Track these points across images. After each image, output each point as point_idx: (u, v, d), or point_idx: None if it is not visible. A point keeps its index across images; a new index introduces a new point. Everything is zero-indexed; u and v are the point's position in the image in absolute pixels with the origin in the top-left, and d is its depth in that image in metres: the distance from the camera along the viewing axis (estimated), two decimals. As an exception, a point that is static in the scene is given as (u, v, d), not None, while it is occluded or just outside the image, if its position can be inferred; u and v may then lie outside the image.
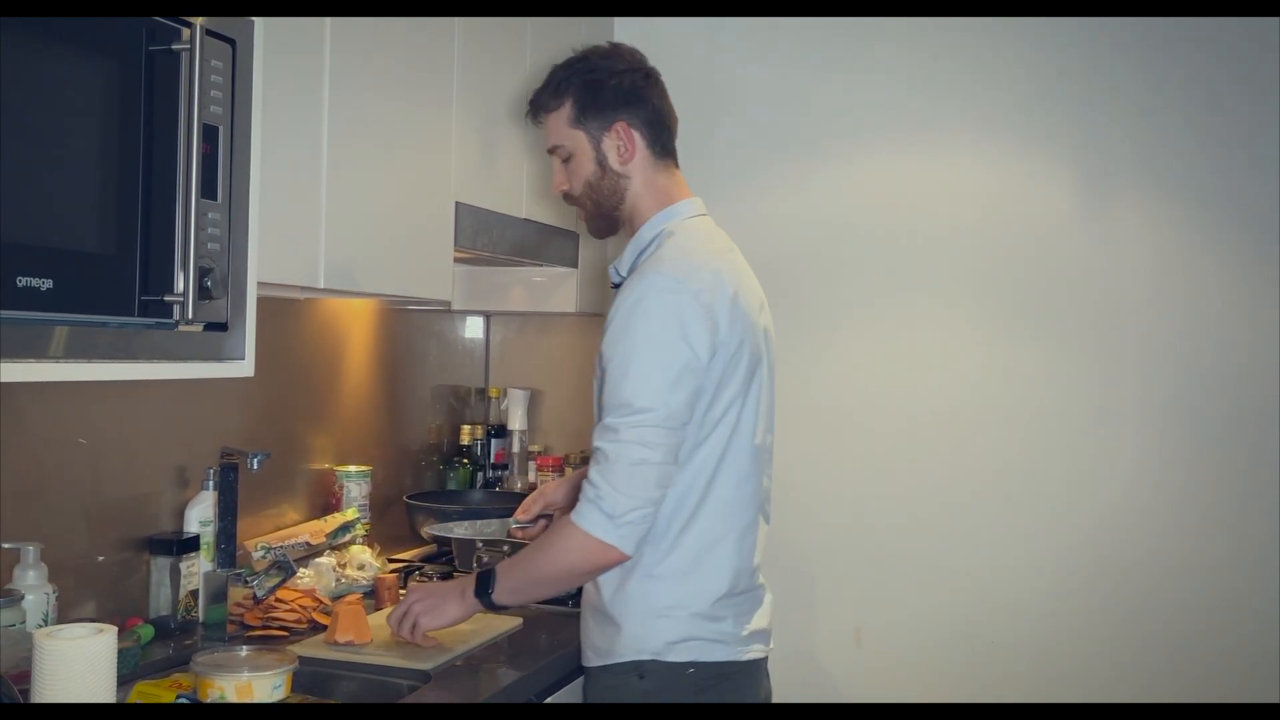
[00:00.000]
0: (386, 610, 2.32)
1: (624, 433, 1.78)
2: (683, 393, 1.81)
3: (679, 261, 1.86)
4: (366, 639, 2.06)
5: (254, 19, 1.60)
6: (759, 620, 1.96)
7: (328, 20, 1.95)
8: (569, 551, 1.83)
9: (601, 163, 1.96)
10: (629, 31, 3.02)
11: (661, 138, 1.99)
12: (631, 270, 1.93)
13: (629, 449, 1.78)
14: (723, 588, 1.89)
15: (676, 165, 2.03)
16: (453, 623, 2.03)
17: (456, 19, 2.36)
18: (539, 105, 2.00)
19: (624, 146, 1.95)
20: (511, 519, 2.31)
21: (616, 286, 2.02)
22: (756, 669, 1.96)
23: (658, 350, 1.79)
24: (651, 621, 1.87)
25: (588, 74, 1.96)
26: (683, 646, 1.87)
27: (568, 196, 2.03)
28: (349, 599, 2.17)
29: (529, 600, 2.07)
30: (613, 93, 1.95)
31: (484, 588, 1.93)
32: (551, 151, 2.02)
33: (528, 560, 1.93)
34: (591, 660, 1.95)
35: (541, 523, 2.27)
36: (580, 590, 2.04)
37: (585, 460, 3.22)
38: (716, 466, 1.89)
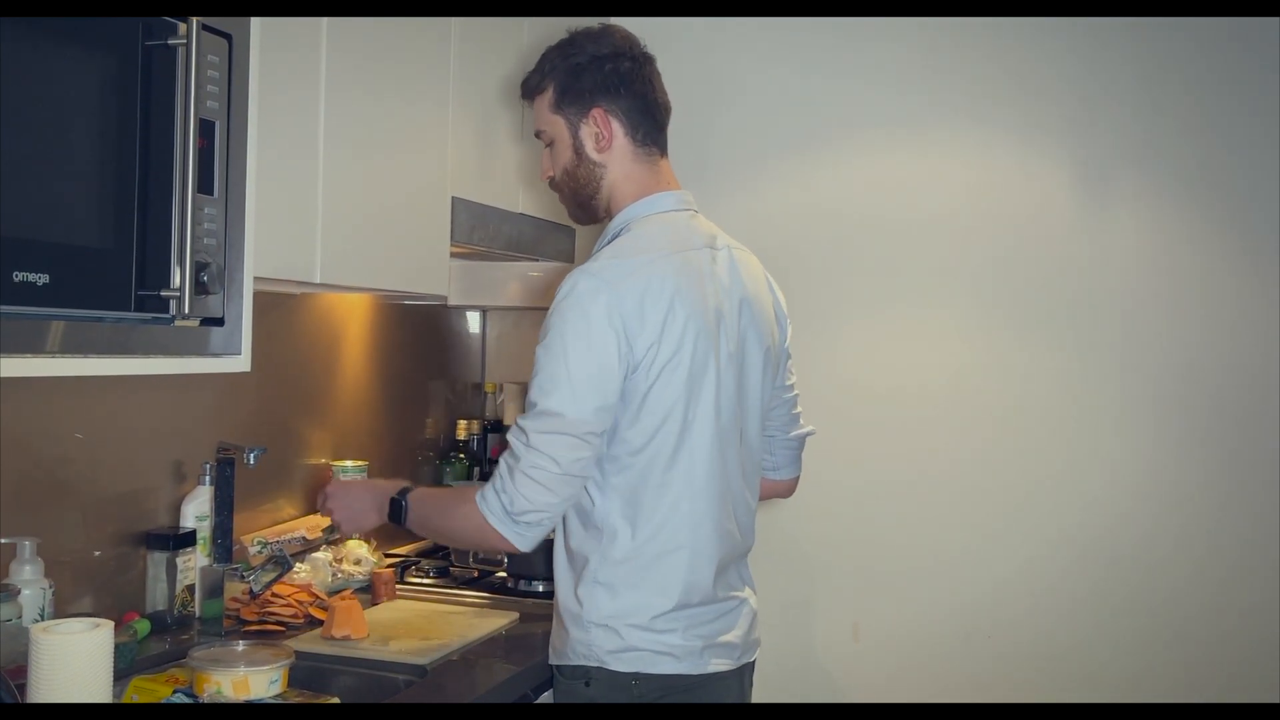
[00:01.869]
0: (384, 605, 2.33)
1: (531, 437, 1.75)
2: (590, 400, 1.74)
3: (611, 262, 1.80)
4: (363, 634, 2.06)
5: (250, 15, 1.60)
6: (727, 633, 1.90)
7: (324, 16, 1.94)
8: (469, 526, 1.83)
9: (579, 150, 1.92)
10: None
11: (644, 126, 1.92)
12: None
13: (532, 454, 1.75)
14: (669, 602, 1.83)
15: (663, 155, 1.96)
16: (364, 530, 2.08)
17: (453, 18, 2.36)
18: (527, 87, 1.97)
19: (601, 134, 1.90)
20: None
21: None
22: (721, 681, 1.89)
23: (566, 354, 1.75)
24: (594, 629, 1.83)
25: (570, 57, 1.91)
26: (625, 656, 1.82)
27: (552, 183, 1.99)
28: (345, 595, 2.18)
29: (431, 540, 2.11)
30: (592, 78, 1.89)
31: (396, 514, 1.95)
32: (537, 135, 1.99)
33: (437, 510, 1.94)
34: (552, 658, 1.93)
35: None
36: None
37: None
38: (663, 475, 1.82)
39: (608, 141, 1.90)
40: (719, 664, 1.88)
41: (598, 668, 1.83)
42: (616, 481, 1.82)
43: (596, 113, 1.90)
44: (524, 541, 1.78)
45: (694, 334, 1.81)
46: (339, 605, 2.10)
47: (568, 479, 1.76)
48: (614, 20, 3.07)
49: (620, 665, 1.82)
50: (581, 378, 1.74)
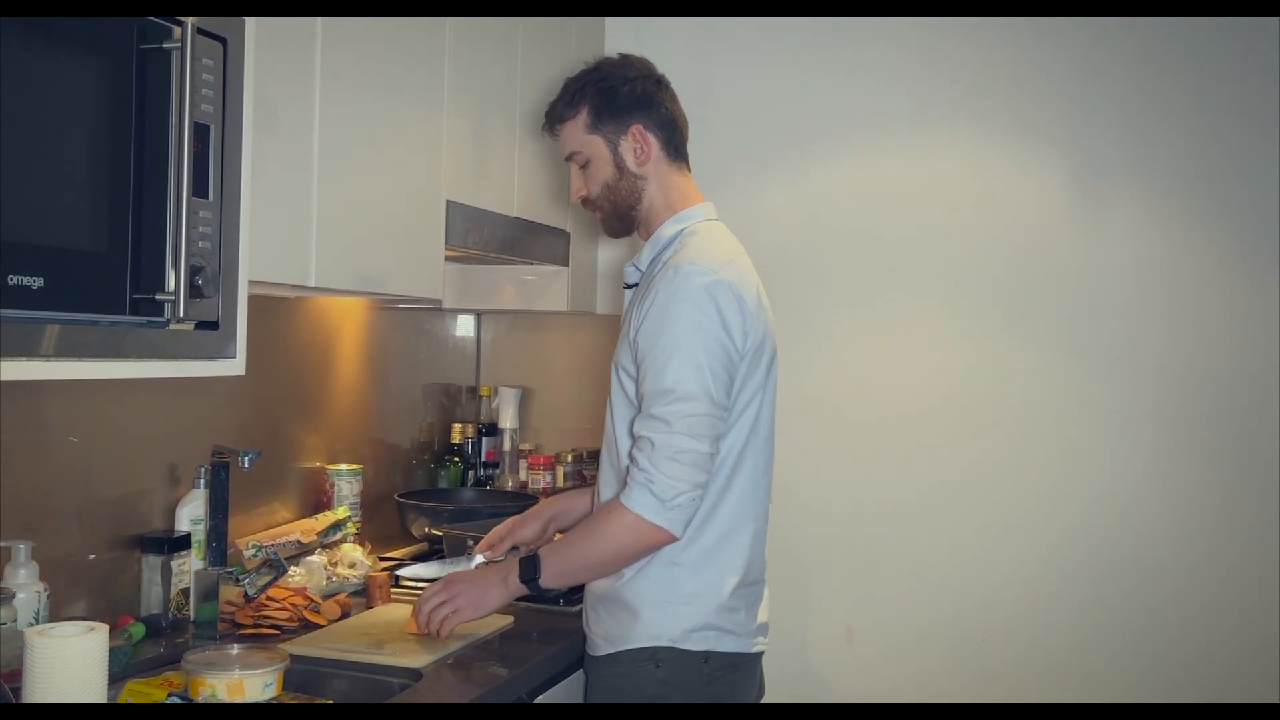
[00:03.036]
0: (379, 608, 2.32)
1: (674, 422, 1.82)
2: (723, 379, 1.86)
3: (710, 255, 1.91)
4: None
5: (245, 17, 1.60)
6: (764, 613, 2.02)
7: (319, 19, 1.95)
8: (620, 534, 1.87)
9: (619, 165, 2.02)
10: (620, 31, 3.03)
11: (674, 140, 2.05)
12: (653, 268, 1.98)
13: (676, 438, 1.82)
14: (737, 578, 1.94)
15: (689, 168, 2.08)
16: (491, 611, 2.06)
17: (448, 18, 2.36)
18: (554, 116, 2.06)
19: (640, 149, 2.01)
20: (477, 553, 2.27)
21: (629, 286, 2.07)
22: (758, 662, 2.03)
23: (698, 339, 1.84)
24: (671, 608, 1.91)
25: (601, 81, 2.02)
26: (699, 635, 1.91)
27: (586, 201, 2.08)
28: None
29: (574, 583, 2.05)
30: (627, 98, 2.00)
31: (529, 572, 1.96)
32: (568, 159, 2.07)
33: (575, 544, 1.96)
34: (600, 649, 1.97)
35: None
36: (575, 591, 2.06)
37: (577, 459, 3.23)
38: (739, 458, 1.94)
39: (647, 155, 2.02)
40: (761, 643, 2.01)
41: (668, 648, 1.90)
42: None
43: (635, 129, 2.01)
44: (677, 526, 1.85)
45: (767, 326, 1.98)
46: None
47: (710, 457, 1.85)
48: (606, 20, 3.09)
49: (693, 644, 1.91)
50: (712, 361, 1.85)
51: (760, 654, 2.02)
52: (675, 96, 2.07)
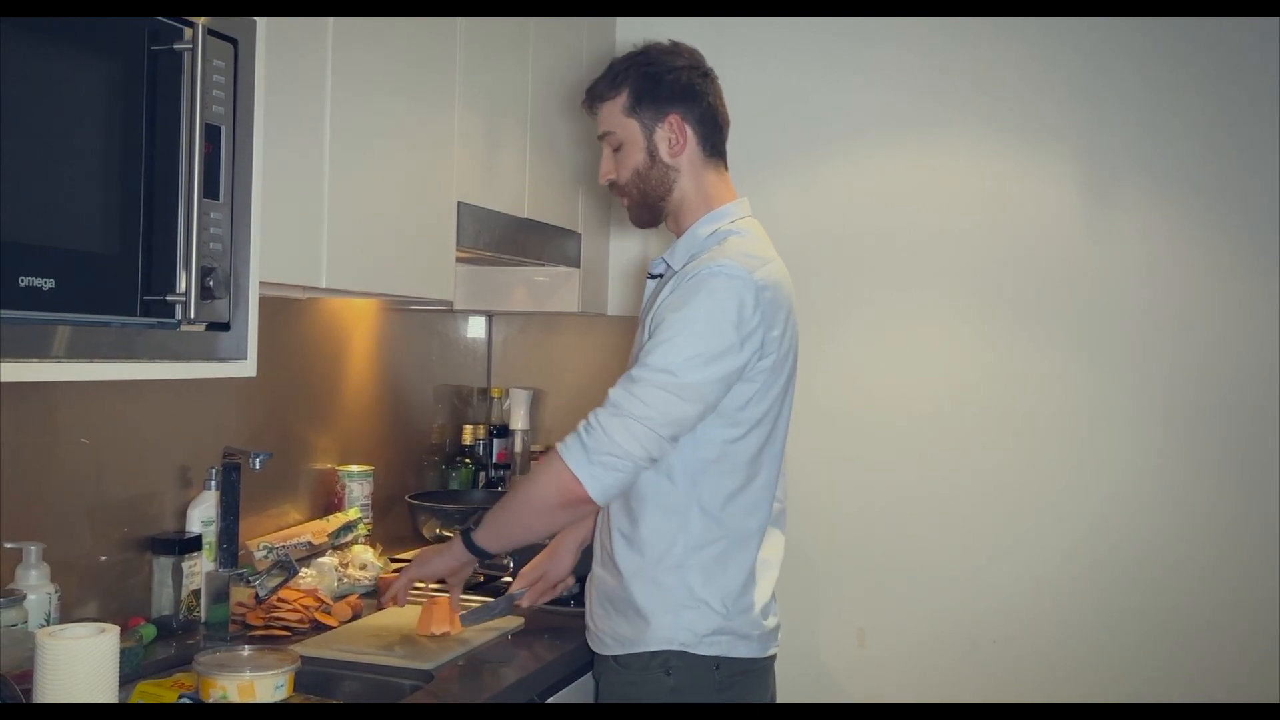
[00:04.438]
0: (390, 609, 2.32)
1: (637, 387, 1.79)
2: (714, 374, 1.81)
3: (748, 256, 1.88)
4: (458, 629, 2.11)
5: (256, 18, 1.60)
6: (774, 619, 2.00)
7: (330, 19, 1.94)
8: (542, 481, 1.85)
9: (652, 153, 1.99)
10: (630, 32, 3.02)
11: (713, 137, 2.02)
12: (686, 266, 1.95)
13: (633, 404, 1.78)
14: (746, 581, 1.93)
15: (726, 166, 2.06)
16: (437, 573, 2.07)
17: (459, 19, 2.36)
18: (595, 95, 2.03)
19: (675, 139, 1.98)
20: (515, 589, 2.19)
21: (654, 277, 2.06)
22: (771, 668, 2.01)
23: (706, 327, 1.81)
24: (683, 613, 1.89)
25: (646, 65, 1.99)
26: (711, 640, 1.89)
27: (613, 185, 2.05)
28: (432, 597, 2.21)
29: (510, 542, 2.01)
30: (669, 86, 1.98)
31: (467, 534, 1.98)
32: (602, 138, 2.04)
33: (506, 499, 1.97)
34: (609, 647, 1.95)
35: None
36: (583, 589, 2.04)
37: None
38: (753, 463, 1.93)
39: (681, 147, 1.98)
40: (773, 649, 1.99)
41: (680, 653, 1.89)
42: (706, 457, 1.89)
43: (673, 118, 1.98)
44: (595, 486, 1.79)
45: (795, 335, 1.98)
46: (430, 604, 2.14)
47: (655, 438, 1.79)
48: (617, 20, 3.08)
49: (705, 649, 1.89)
50: (714, 352, 1.81)
51: (773, 659, 2.00)
52: (720, 92, 2.04)
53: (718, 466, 1.89)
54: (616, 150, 2.02)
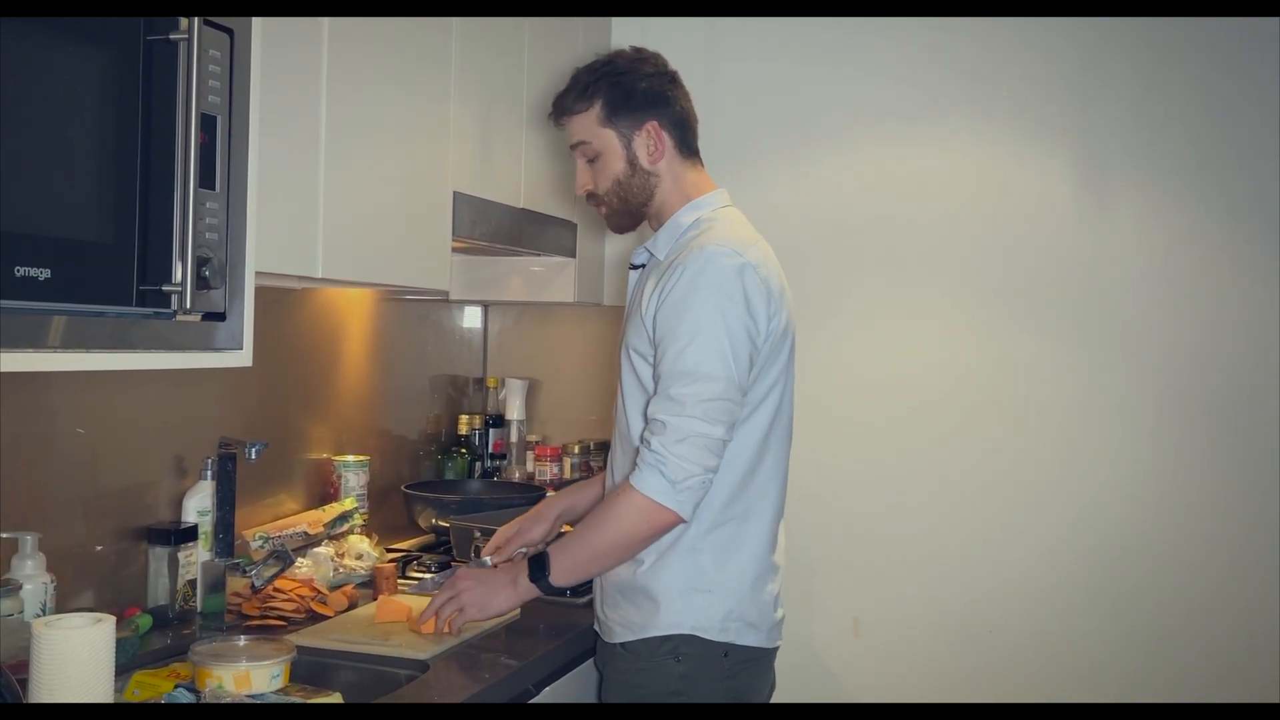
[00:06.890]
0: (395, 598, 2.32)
1: (689, 404, 1.80)
2: (745, 364, 1.85)
3: (733, 238, 1.90)
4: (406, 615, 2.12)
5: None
6: (781, 611, 2.01)
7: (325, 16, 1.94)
8: (628, 517, 1.85)
9: (632, 161, 2.00)
10: (626, 30, 3.01)
11: (687, 137, 2.04)
12: (670, 253, 1.96)
13: (689, 421, 1.80)
14: (758, 569, 1.94)
15: (701, 162, 2.07)
16: (499, 614, 2.04)
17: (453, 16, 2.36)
18: (564, 108, 2.03)
19: (654, 145, 2.00)
20: (485, 556, 2.22)
21: (636, 267, 2.06)
22: (774, 657, 2.03)
23: (722, 321, 1.83)
24: (695, 596, 1.90)
25: (617, 75, 2.00)
26: (722, 626, 1.90)
27: (591, 196, 2.05)
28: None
29: (586, 577, 2.00)
30: (643, 95, 1.99)
31: (539, 571, 1.93)
32: (575, 148, 2.04)
33: (583, 534, 1.93)
34: (618, 635, 1.95)
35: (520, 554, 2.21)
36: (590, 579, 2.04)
37: (584, 450, 3.23)
38: (762, 445, 1.94)
39: (660, 153, 2.00)
40: (779, 640, 2.01)
41: (689, 637, 1.89)
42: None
43: (650, 126, 1.99)
44: (686, 508, 1.82)
45: (789, 310, 1.98)
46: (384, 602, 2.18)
47: (723, 443, 1.83)
48: (613, 20, 3.08)
49: (716, 635, 1.89)
50: (735, 344, 1.83)
51: (776, 651, 2.01)
52: (687, 93, 2.06)
53: (728, 448, 1.88)
54: (592, 161, 2.02)
